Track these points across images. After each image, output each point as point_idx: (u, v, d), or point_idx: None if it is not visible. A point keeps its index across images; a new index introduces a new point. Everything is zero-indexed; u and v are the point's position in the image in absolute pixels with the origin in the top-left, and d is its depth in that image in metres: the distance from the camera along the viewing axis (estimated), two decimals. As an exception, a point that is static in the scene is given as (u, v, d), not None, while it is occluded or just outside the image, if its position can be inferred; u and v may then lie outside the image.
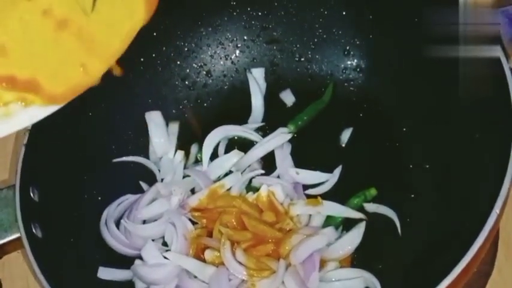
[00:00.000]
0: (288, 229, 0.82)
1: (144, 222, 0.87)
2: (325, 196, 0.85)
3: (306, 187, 0.87)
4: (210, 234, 0.83)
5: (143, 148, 0.95)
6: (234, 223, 0.83)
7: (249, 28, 0.99)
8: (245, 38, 1.00)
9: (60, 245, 0.80)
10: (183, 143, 0.95)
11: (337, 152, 0.91)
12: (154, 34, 0.94)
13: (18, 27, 0.53)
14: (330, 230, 0.81)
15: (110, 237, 0.86)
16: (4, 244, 0.78)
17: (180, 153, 0.94)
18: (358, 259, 0.81)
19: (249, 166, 0.90)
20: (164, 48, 0.98)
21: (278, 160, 0.89)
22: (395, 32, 0.90)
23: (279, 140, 0.90)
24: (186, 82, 0.99)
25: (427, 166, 0.86)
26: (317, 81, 0.98)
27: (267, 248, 0.81)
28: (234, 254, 0.79)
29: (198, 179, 0.88)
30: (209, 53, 1.00)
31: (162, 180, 0.91)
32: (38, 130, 0.80)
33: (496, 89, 0.72)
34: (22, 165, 0.80)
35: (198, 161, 0.93)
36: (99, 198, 0.89)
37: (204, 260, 0.81)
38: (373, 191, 0.85)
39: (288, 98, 0.98)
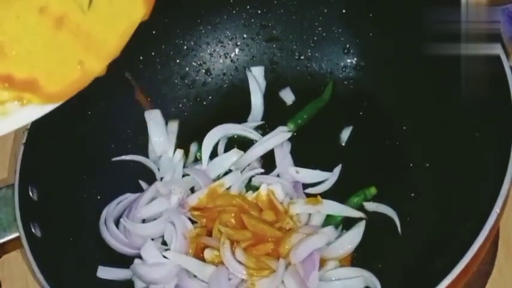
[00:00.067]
0: (287, 228, 0.82)
1: (144, 221, 0.87)
2: (325, 195, 0.85)
3: (305, 186, 0.87)
4: (209, 234, 0.83)
5: (142, 147, 0.95)
6: (234, 222, 0.83)
7: (248, 26, 0.99)
8: (244, 36, 0.99)
9: (60, 245, 0.80)
10: (183, 141, 0.95)
11: (337, 151, 0.91)
12: (154, 32, 0.94)
13: (15, 26, 0.53)
14: (329, 229, 0.81)
15: (109, 237, 0.85)
16: (3, 243, 0.78)
17: (180, 152, 0.93)
18: (358, 258, 0.81)
19: (248, 165, 0.90)
20: (163, 46, 0.97)
21: (278, 159, 0.89)
22: (395, 30, 0.89)
23: (279, 138, 0.90)
24: (186, 81, 0.99)
25: (427, 165, 0.85)
26: (317, 80, 0.97)
27: (266, 247, 0.81)
28: (233, 253, 0.79)
29: (197, 178, 0.88)
30: (208, 51, 1.00)
31: (161, 179, 0.91)
32: (37, 129, 0.80)
33: (496, 87, 0.72)
34: (21, 164, 0.79)
35: (197, 160, 0.93)
36: (99, 197, 0.89)
37: (203, 259, 0.81)
38: (373, 190, 0.85)
39: (287, 96, 0.97)
